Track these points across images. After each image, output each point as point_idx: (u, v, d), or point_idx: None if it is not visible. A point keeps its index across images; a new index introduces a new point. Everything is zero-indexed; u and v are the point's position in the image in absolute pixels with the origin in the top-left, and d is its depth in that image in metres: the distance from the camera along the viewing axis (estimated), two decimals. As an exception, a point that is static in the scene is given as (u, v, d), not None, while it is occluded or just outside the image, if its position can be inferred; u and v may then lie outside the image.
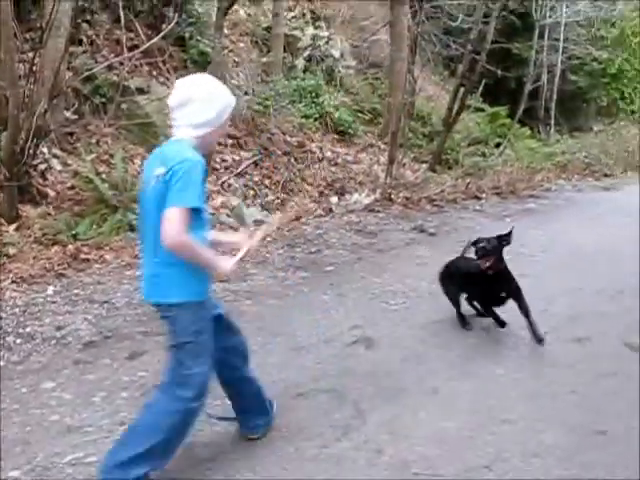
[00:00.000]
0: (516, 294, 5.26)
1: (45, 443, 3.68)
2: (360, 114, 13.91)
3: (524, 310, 5.23)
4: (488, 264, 5.12)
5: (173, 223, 3.02)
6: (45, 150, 8.07)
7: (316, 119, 12.25)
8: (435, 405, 4.28)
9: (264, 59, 13.04)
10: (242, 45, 13.30)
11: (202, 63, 10.61)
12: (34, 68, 7.31)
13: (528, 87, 17.65)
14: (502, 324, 5.39)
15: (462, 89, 13.62)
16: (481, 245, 5.20)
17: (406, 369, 4.77)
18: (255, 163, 10.18)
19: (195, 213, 3.12)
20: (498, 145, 15.55)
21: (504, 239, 5.22)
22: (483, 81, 16.12)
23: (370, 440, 3.88)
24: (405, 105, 12.32)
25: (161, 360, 4.66)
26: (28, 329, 5.08)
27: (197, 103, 3.20)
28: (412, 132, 13.79)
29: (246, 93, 11.22)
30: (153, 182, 3.13)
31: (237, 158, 10.08)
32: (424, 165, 12.83)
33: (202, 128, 3.24)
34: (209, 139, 3.33)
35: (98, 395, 4.20)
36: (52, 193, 7.77)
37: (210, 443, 3.78)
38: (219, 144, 9.44)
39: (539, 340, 5.15)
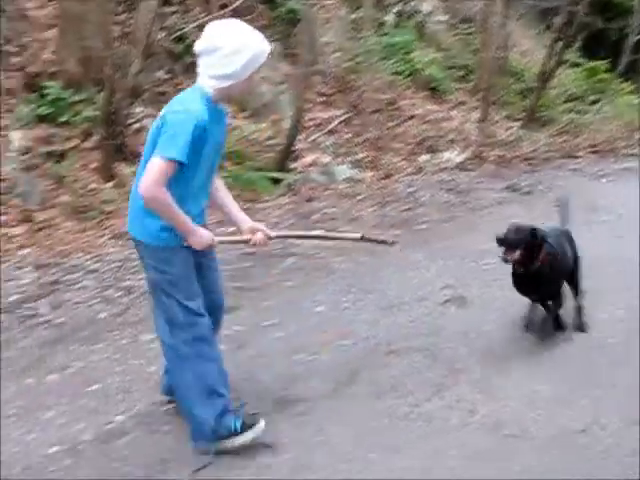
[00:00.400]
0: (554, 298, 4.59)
1: (145, 392, 3.82)
2: (452, 71, 13.59)
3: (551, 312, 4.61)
4: (511, 258, 4.31)
5: (150, 173, 2.94)
6: (139, 110, 8.24)
7: (407, 76, 12.03)
8: (529, 367, 4.21)
9: (353, 15, 12.86)
10: (331, 2, 13.14)
11: (291, 20, 10.56)
12: (128, 30, 7.44)
13: (632, 39, 16.81)
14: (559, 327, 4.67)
15: (559, 43, 13.11)
16: (503, 234, 4.31)
17: (499, 330, 4.71)
18: (345, 121, 10.12)
19: (182, 168, 3.00)
20: (596, 102, 14.94)
21: (536, 234, 4.32)
22: (581, 34, 15.46)
23: (462, 400, 3.86)
24: (498, 61, 11.96)
25: (256, 314, 4.80)
26: (126, 283, 5.24)
27: (222, 54, 3.03)
28: (505, 89, 13.40)
29: (336, 50, 11.12)
30: (153, 126, 3.09)
31: (327, 116, 10.03)
32: (517, 123, 12.48)
33: (224, 80, 3.08)
34: (230, 92, 3.17)
35: (195, 348, 4.30)
36: (146, 152, 7.94)
37: (303, 397, 3.83)
38: (309, 101, 9.40)
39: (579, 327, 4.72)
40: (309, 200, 7.71)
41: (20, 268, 5.33)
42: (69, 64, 7.65)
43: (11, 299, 4.90)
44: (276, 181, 8.00)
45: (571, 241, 4.80)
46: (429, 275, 5.67)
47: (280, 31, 10.41)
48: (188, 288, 3.29)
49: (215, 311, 3.53)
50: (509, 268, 4.48)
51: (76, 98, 7.50)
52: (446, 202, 8.04)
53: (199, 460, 3.25)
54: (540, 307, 4.70)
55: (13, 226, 6.25)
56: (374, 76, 11.10)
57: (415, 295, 5.24)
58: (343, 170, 8.87)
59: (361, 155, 9.52)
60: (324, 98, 10.33)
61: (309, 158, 8.83)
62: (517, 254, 4.27)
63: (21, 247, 5.78)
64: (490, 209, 7.84)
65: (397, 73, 11.87)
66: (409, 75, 12.07)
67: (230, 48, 3.03)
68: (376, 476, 3.20)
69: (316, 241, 6.20)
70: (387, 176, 9.05)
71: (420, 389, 3.95)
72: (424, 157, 10.10)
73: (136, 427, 3.51)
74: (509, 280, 4.53)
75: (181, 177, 3.06)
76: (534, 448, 3.43)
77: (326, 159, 8.96)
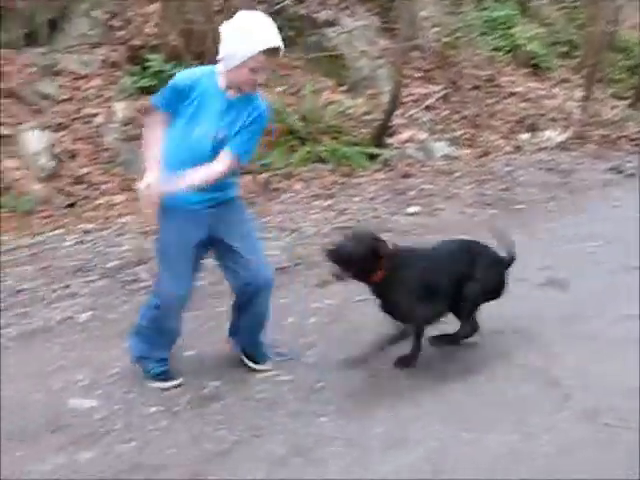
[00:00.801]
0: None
1: (238, 361, 3.86)
2: (555, 46, 13.14)
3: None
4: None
5: None
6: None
7: (507, 52, 11.71)
8: (630, 355, 4.05)
9: (454, -11, 12.59)
10: (432, -25, 12.90)
11: (391, -6, 10.43)
12: (228, 4, 7.51)
13: None
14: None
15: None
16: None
17: (598, 315, 4.54)
18: (443, 97, 9.95)
19: (170, 116, 3.30)
20: None
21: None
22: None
23: (558, 384, 3.75)
24: (606, 36, 11.48)
25: (350, 290, 4.79)
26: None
27: (226, 37, 3.20)
28: (612, 65, 12.86)
29: (435, 25, 10.93)
30: None
31: (425, 92, 9.88)
32: (624, 102, 11.97)
33: (221, 64, 3.26)
34: (229, 78, 3.26)
35: (288, 319, 4.36)
36: (244, 124, 8.03)
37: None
38: (407, 77, 9.28)
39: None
40: (405, 176, 7.65)
41: (120, 235, 5.51)
42: (170, 37, 7.80)
43: (112, 264, 5.07)
44: (372, 157, 7.96)
45: (474, 261, 3.96)
46: (528, 256, 5.49)
47: (379, 5, 10.30)
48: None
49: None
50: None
51: (177, 70, 7.61)
52: (546, 182, 7.82)
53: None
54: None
55: (114, 194, 6.46)
56: (473, 52, 10.87)
57: (513, 276, 5.11)
58: (440, 147, 8.75)
59: (459, 132, 9.36)
60: (422, 73, 10.18)
61: (406, 134, 8.74)
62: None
63: (121, 215, 5.97)
64: (592, 190, 7.59)
65: (497, 49, 11.58)
66: (509, 51, 11.75)
67: (229, 33, 3.20)
68: (466, 455, 3.16)
69: (412, 218, 6.19)
70: (485, 154, 8.87)
71: (514, 371, 3.86)
72: (523, 136, 9.84)
73: (229, 393, 3.58)
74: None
75: (170, 127, 3.34)
76: (632, 439, 3.31)
77: (423, 135, 8.85)
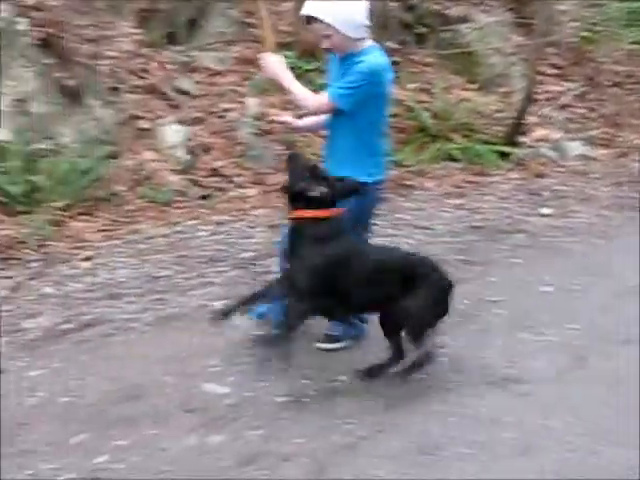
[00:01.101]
0: None
1: (369, 356, 3.84)
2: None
3: None
4: None
5: None
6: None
7: (651, 46, 11.12)
8: None
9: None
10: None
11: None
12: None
13: None
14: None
15: None
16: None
17: None
18: (579, 95, 9.58)
19: None
20: None
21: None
22: None
23: None
24: None
25: (481, 289, 4.70)
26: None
27: None
28: None
29: (572, 19, 10.52)
30: None
31: (560, 89, 9.54)
32: None
33: None
34: None
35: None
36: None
37: (527, 378, 3.70)
38: (541, 74, 9.00)
39: None
40: (539, 176, 7.42)
41: (253, 227, 5.62)
42: (304, 34, 7.88)
43: (245, 255, 5.19)
44: (504, 155, 7.77)
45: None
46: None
47: (513, 0, 10.02)
48: None
49: None
50: None
51: (309, 67, 7.73)
52: (693, 184, 7.38)
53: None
54: None
55: (247, 187, 6.61)
56: (613, 46, 10.40)
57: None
58: (575, 146, 8.42)
59: (595, 131, 8.97)
60: (557, 70, 9.83)
61: (539, 133, 8.47)
62: None
63: (254, 208, 6.09)
64: None
65: (638, 42, 11.00)
66: (654, 44, 11.15)
67: None
68: (600, 470, 3.01)
69: (545, 219, 6.01)
70: (623, 154, 8.47)
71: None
72: (665, 136, 9.32)
73: (358, 388, 3.58)
74: None
75: None
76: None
77: (557, 134, 8.55)
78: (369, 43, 3.66)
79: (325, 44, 3.60)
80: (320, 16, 3.48)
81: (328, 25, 3.48)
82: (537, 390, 3.61)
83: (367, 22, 3.62)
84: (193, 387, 3.58)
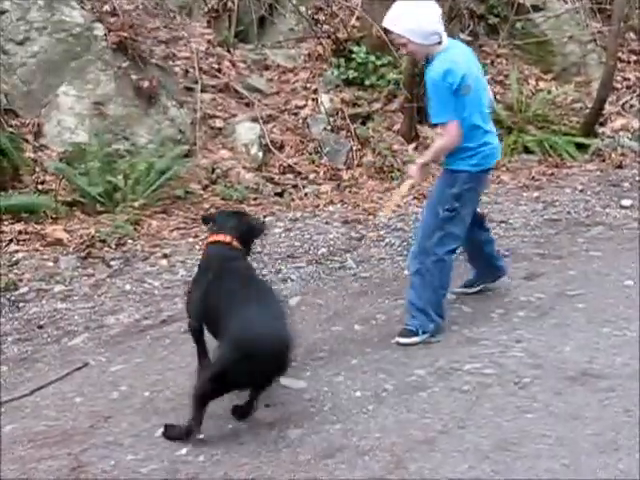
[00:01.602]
0: None
1: (445, 350, 3.85)
2: None
3: None
4: None
5: None
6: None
7: None
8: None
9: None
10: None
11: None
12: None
13: None
14: None
15: None
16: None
17: None
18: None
19: None
20: None
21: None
22: None
23: None
24: None
25: (560, 283, 4.60)
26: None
27: None
28: None
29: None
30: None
31: (640, 77, 9.24)
32: None
33: None
34: None
35: (496, 312, 4.26)
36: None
37: (608, 374, 3.61)
38: (621, 61, 8.73)
39: None
40: (618, 167, 7.20)
41: (328, 223, 5.65)
42: (374, 29, 7.86)
43: (320, 251, 5.22)
44: (582, 146, 7.58)
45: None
46: None
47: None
48: None
49: None
50: None
51: (380, 62, 7.72)
52: None
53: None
54: None
55: (321, 184, 6.64)
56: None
57: None
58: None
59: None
60: (637, 57, 9.52)
61: (618, 122, 8.21)
62: None
63: (329, 203, 6.12)
64: None
65: None
66: None
67: None
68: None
69: (625, 211, 5.85)
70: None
71: None
72: None
73: (436, 383, 3.54)
74: None
75: None
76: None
77: (638, 124, 8.28)
78: (444, 45, 3.83)
79: (405, 50, 4.14)
80: (393, 28, 3.80)
81: (400, 35, 3.77)
82: (618, 386, 3.50)
83: (439, 28, 3.79)
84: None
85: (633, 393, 3.43)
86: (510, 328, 4.05)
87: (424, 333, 3.93)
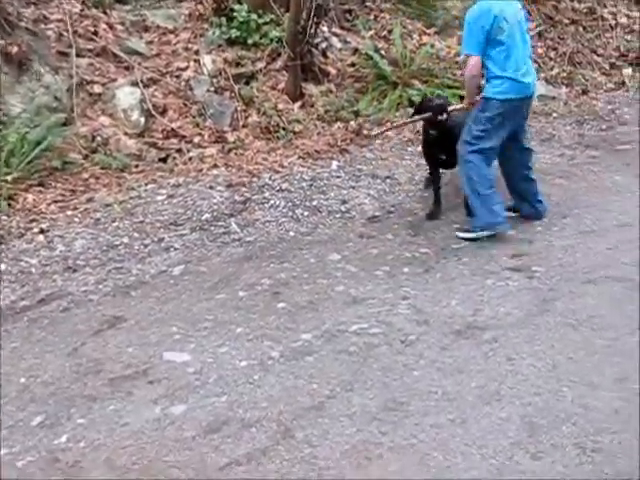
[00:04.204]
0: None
1: (332, 312, 3.83)
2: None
3: None
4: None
5: None
6: (325, 29, 8.14)
7: (610, -21, 10.97)
8: None
9: None
10: None
11: None
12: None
13: None
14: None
15: None
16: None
17: None
18: (539, 34, 9.45)
19: None
20: None
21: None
22: None
23: (669, 336, 3.52)
24: None
25: (443, 238, 4.65)
26: (314, 202, 5.27)
27: None
28: None
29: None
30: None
31: (520, 29, 9.40)
32: None
33: None
34: None
35: (381, 269, 4.28)
36: (333, 71, 7.84)
37: (492, 325, 3.69)
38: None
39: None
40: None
41: (212, 188, 5.50)
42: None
43: (204, 217, 5.08)
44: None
45: None
46: (634, 199, 5.21)
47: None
48: None
49: None
50: None
51: (263, 20, 7.54)
52: (653, 120, 7.34)
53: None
54: None
55: (205, 147, 6.46)
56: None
57: (616, 220, 4.86)
58: (537, 86, 8.31)
59: (556, 70, 8.88)
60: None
61: (499, 73, 8.35)
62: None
63: (213, 167, 5.95)
64: None
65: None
66: (612, -23, 10.99)
67: None
68: (567, 411, 3.01)
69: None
70: (584, 92, 8.39)
71: (620, 322, 3.66)
72: (627, 71, 9.25)
73: (323, 346, 3.52)
74: None
75: None
76: None
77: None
78: None
79: None
80: None
81: None
82: (501, 336, 3.58)
83: None
84: (156, 356, 3.51)
85: (515, 341, 3.53)
86: (396, 285, 4.08)
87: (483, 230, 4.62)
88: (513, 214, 4.92)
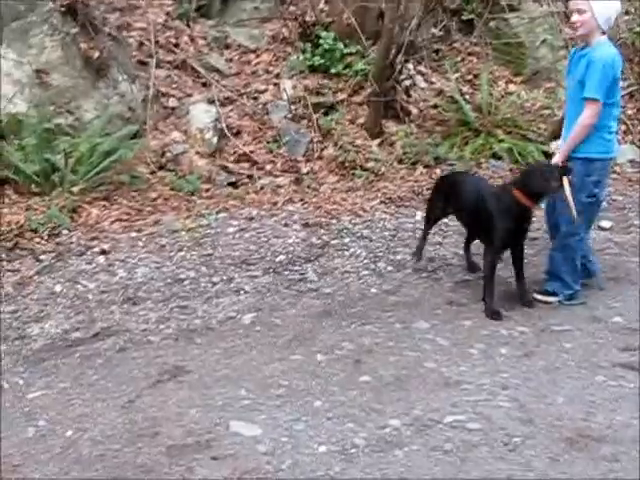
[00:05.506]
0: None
1: (422, 393, 3.35)
2: None
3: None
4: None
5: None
6: (411, 66, 7.81)
7: None
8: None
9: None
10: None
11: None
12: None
13: None
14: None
15: None
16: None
17: None
18: (630, 94, 8.99)
19: None
20: None
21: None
22: None
23: None
24: None
25: (541, 316, 4.16)
26: (399, 256, 4.82)
27: None
28: None
29: (627, 12, 9.91)
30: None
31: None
32: None
33: None
34: None
35: (475, 347, 3.78)
36: (415, 111, 7.50)
37: None
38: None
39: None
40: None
41: (287, 225, 5.11)
42: (344, 15, 7.39)
43: (278, 258, 4.70)
44: (549, 155, 7.23)
45: None
46: None
47: (565, -7, 9.43)
48: None
49: None
50: None
51: (348, 50, 7.27)
52: None
53: None
54: None
55: (277, 176, 6.13)
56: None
57: None
58: (628, 150, 7.82)
59: (647, 133, 8.40)
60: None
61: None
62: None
63: (288, 202, 5.57)
64: None
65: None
66: None
67: None
68: None
69: (604, 233, 5.51)
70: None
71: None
72: None
73: (414, 438, 3.02)
74: None
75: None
76: None
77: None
78: (602, 38, 4.11)
79: (575, 19, 4.07)
80: None
81: (586, 6, 3.97)
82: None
83: (613, 23, 4.26)
84: (221, 424, 3.08)
85: None
86: (493, 369, 3.58)
87: (559, 296, 4.31)
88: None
